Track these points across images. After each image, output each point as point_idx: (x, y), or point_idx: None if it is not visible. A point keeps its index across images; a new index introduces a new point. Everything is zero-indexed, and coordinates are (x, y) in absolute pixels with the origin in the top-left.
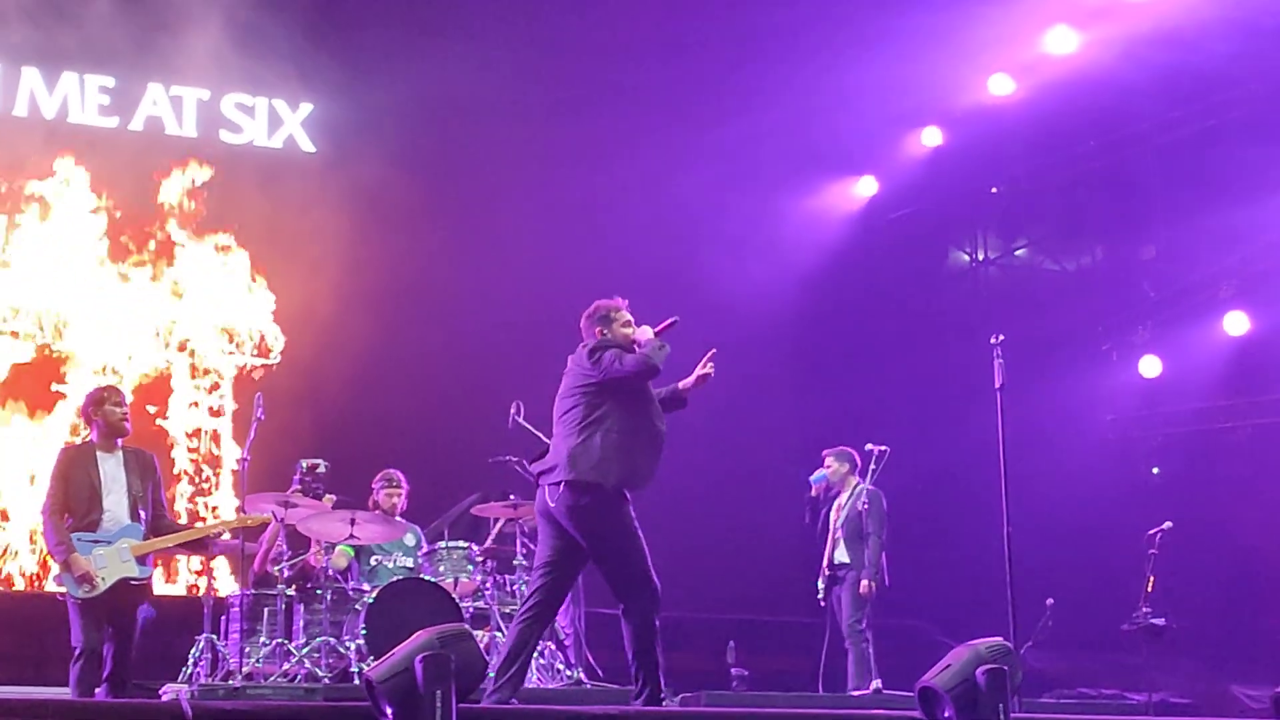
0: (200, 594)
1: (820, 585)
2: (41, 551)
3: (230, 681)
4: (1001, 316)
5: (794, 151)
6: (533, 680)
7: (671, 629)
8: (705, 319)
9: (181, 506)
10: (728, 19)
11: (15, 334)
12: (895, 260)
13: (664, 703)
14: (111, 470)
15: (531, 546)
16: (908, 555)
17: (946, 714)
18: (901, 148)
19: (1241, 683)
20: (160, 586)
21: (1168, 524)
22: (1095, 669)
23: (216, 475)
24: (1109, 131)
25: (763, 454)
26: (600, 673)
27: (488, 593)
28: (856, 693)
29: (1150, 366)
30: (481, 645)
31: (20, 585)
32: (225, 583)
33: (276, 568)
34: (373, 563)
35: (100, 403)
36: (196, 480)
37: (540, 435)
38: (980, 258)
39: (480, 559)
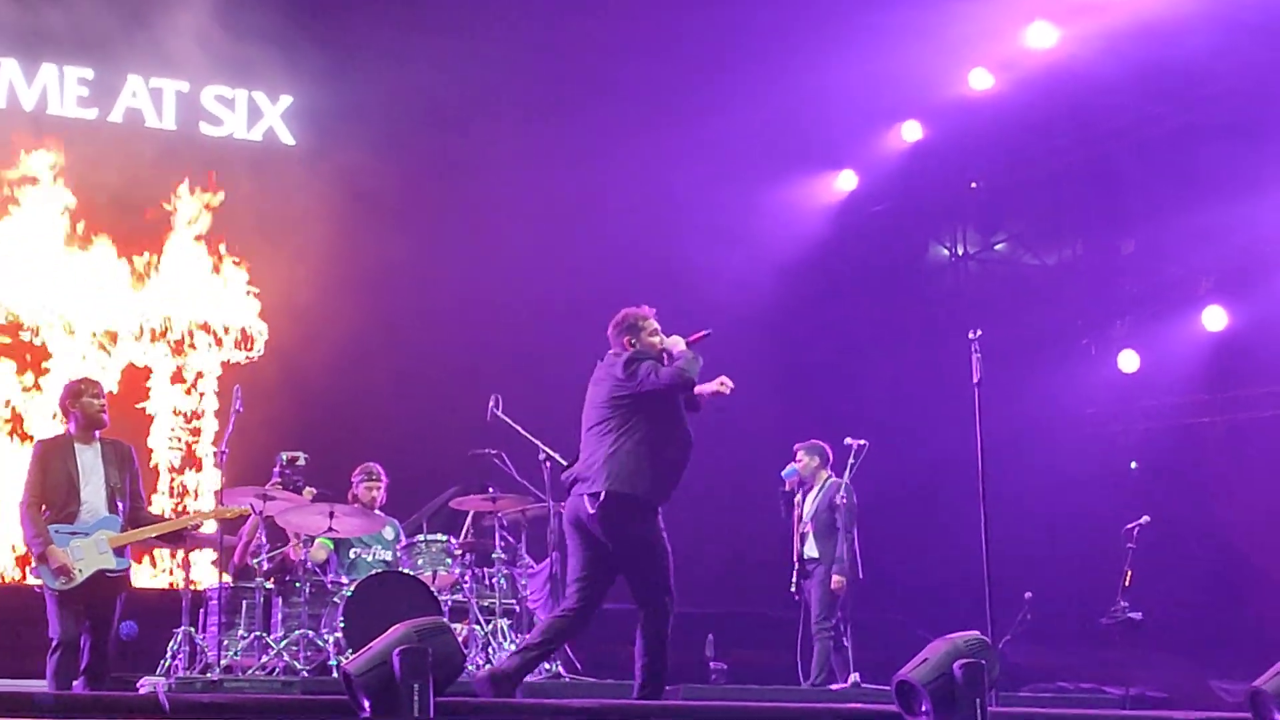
0: (179, 587)
1: (793, 579)
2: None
3: (208, 674)
4: (981, 311)
5: (774, 146)
6: None
7: None
8: (685, 312)
9: (161, 500)
10: (709, 14)
11: None
12: (875, 254)
13: None
14: (89, 462)
15: (510, 539)
16: (886, 549)
17: (924, 708)
18: (881, 142)
19: (1219, 677)
20: (139, 579)
21: (1145, 518)
22: (1073, 663)
23: (196, 468)
24: (1088, 126)
25: (741, 448)
26: (579, 666)
27: (466, 586)
28: (835, 686)
29: (1129, 361)
30: (460, 638)
31: None
32: (204, 575)
33: (255, 560)
34: (351, 555)
35: (78, 395)
36: (176, 473)
37: (518, 428)
38: (960, 252)
39: (459, 552)
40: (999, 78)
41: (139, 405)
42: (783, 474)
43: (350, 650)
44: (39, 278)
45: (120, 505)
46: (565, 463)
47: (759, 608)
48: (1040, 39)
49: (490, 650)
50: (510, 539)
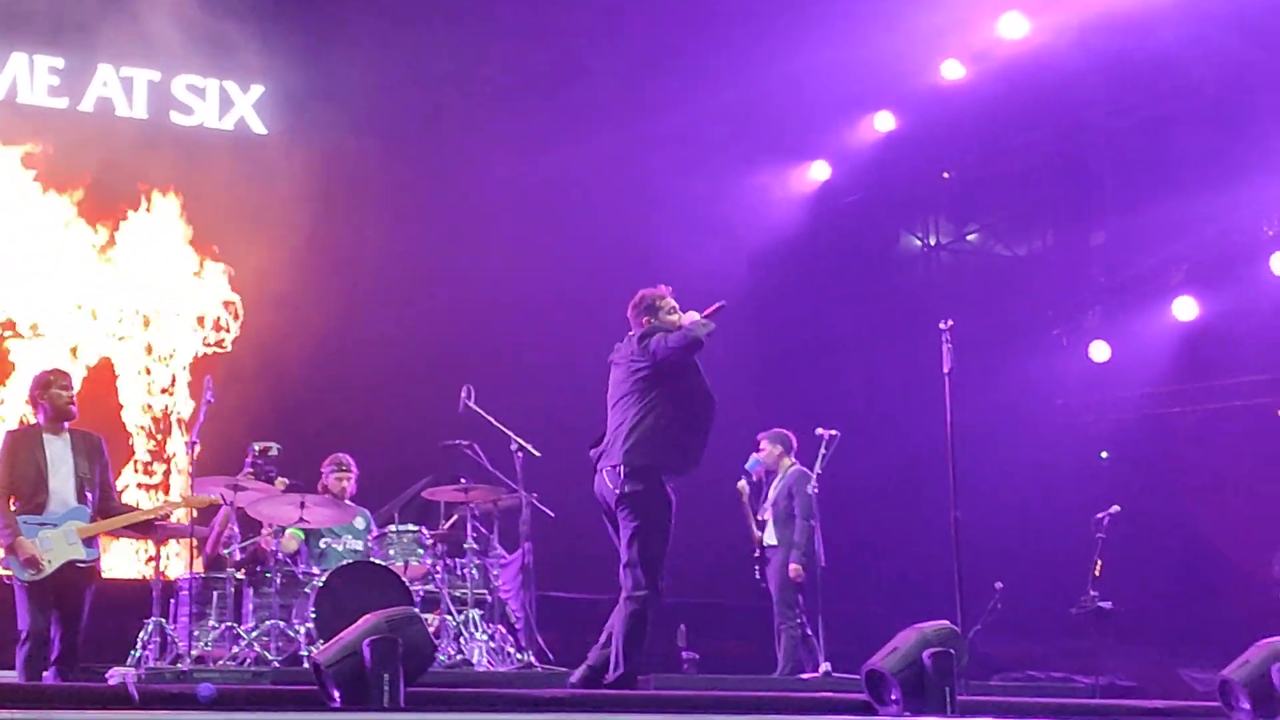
0: (149, 577)
1: (756, 568)
2: None
3: (179, 665)
4: (953, 301)
5: (747, 136)
6: (483, 663)
7: None
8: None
9: (131, 491)
10: (684, 2)
11: None
12: (848, 244)
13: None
14: (58, 453)
15: (483, 530)
16: (858, 539)
17: (893, 696)
18: (854, 132)
19: (1189, 666)
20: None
21: (1115, 508)
22: (1044, 652)
23: (167, 459)
24: (1060, 117)
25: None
26: (550, 655)
27: (438, 576)
28: (806, 675)
29: (1100, 351)
30: (431, 629)
31: None
32: (175, 566)
33: (227, 551)
34: (322, 546)
35: (46, 386)
36: (147, 464)
37: (491, 419)
38: (932, 243)
39: (431, 543)
40: (971, 68)
41: (109, 396)
42: (746, 467)
43: (322, 640)
44: (7, 267)
45: (89, 496)
46: (537, 453)
47: (731, 598)
48: (1012, 30)
49: (462, 640)
50: (482, 529)
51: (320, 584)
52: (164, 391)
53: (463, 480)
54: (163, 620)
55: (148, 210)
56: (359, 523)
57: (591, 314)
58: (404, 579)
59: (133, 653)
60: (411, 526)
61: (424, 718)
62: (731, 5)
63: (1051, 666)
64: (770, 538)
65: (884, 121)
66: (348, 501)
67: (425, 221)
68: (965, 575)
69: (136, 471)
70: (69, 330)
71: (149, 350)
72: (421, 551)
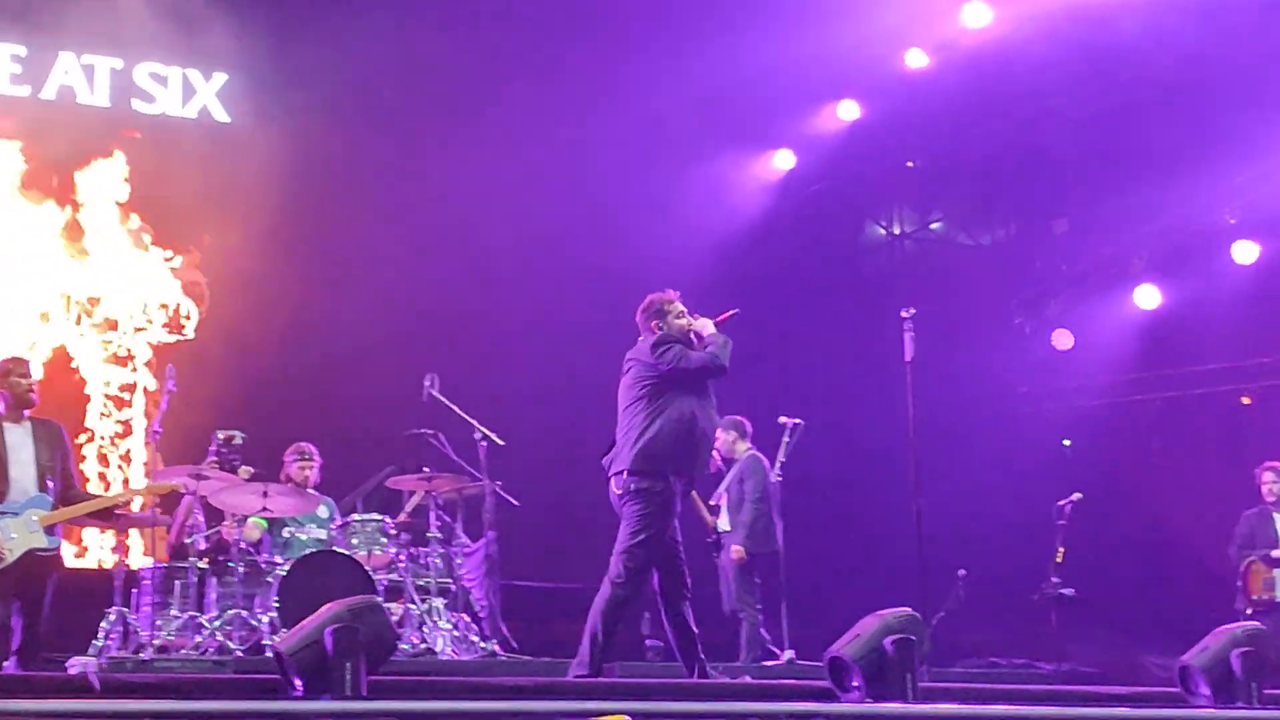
0: (112, 567)
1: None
2: None
3: (141, 654)
4: (916, 290)
5: (712, 124)
6: (446, 652)
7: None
8: (622, 290)
9: (94, 480)
10: None
11: None
12: (812, 233)
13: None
14: (18, 441)
15: (447, 519)
16: (821, 526)
17: (855, 683)
18: (818, 121)
19: (1151, 652)
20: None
21: (1077, 495)
22: (1007, 639)
23: (130, 448)
24: (1023, 107)
25: None
26: (514, 644)
27: (402, 565)
28: (770, 662)
29: (1062, 340)
30: (395, 618)
31: None
32: (138, 555)
33: (190, 540)
34: (285, 535)
35: (6, 374)
36: (109, 452)
37: (454, 408)
38: (896, 231)
39: (394, 532)
40: (935, 57)
41: (71, 383)
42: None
43: (285, 630)
44: None
45: (51, 484)
46: (501, 442)
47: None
48: (975, 19)
49: (426, 629)
50: (446, 518)
51: (283, 573)
52: (126, 386)
53: (426, 469)
54: (125, 609)
55: (109, 198)
56: (322, 512)
57: (557, 303)
58: (367, 568)
59: (95, 642)
60: (375, 515)
61: (387, 706)
62: None
63: (1014, 653)
64: (725, 524)
65: (848, 110)
66: (310, 490)
67: (389, 210)
68: (928, 562)
69: (98, 460)
70: (29, 318)
71: (110, 338)
72: (385, 540)
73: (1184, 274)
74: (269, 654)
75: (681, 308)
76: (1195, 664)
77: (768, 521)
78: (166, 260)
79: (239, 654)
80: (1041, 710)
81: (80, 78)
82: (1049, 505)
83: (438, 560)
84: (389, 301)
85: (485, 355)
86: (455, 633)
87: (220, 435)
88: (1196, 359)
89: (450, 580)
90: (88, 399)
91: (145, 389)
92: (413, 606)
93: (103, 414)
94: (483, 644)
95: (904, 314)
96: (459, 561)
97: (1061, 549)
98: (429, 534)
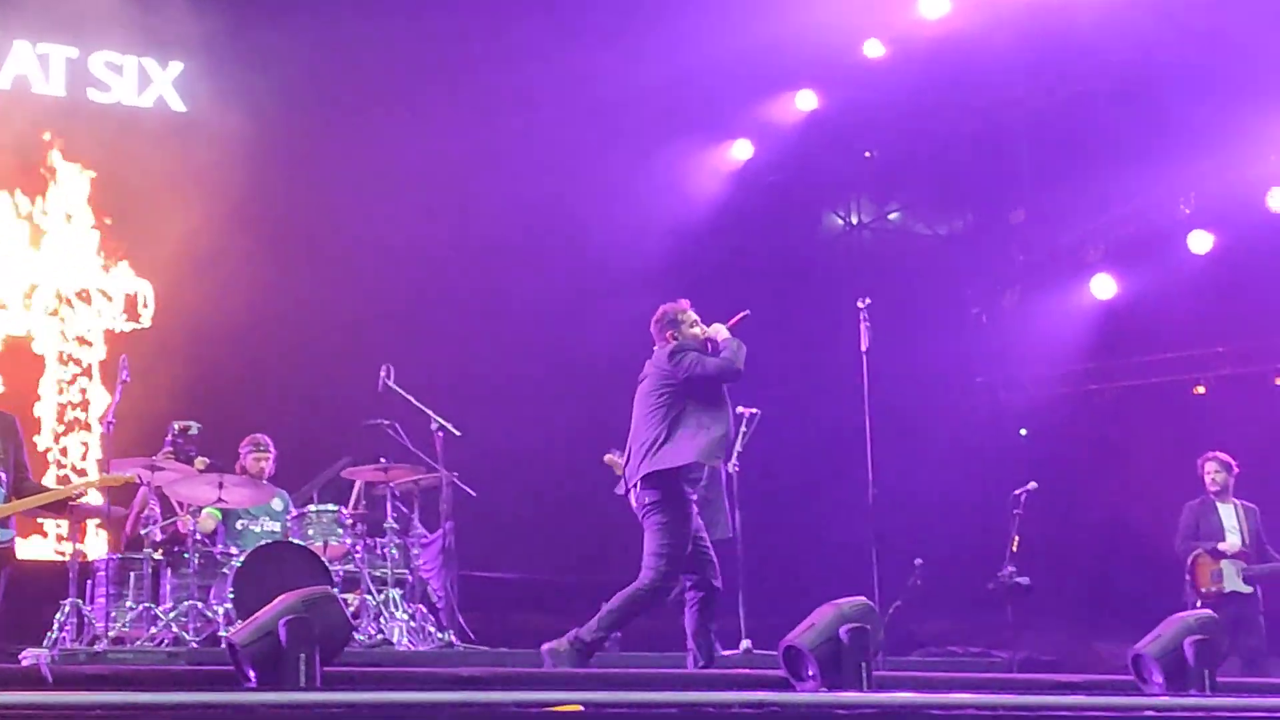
0: (66, 558)
1: None
2: None
3: (95, 646)
4: (874, 280)
5: (670, 113)
6: (403, 643)
7: (542, 590)
8: (579, 280)
9: (51, 472)
10: None
11: None
12: (770, 223)
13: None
14: None
15: (403, 509)
16: (778, 516)
17: (810, 672)
18: (776, 111)
19: (1106, 640)
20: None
21: (1032, 484)
22: (963, 628)
23: (85, 439)
24: (980, 97)
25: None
26: (471, 635)
27: (358, 556)
28: (727, 652)
29: (1020, 329)
30: (351, 609)
31: None
32: (94, 547)
33: (146, 531)
34: (238, 527)
35: None
36: (64, 443)
37: (410, 398)
38: (854, 222)
39: (350, 522)
40: (892, 48)
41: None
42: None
43: (240, 621)
44: None
45: (3, 476)
46: (458, 433)
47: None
48: (933, 10)
49: (382, 620)
50: (403, 509)
51: (239, 564)
52: (80, 373)
53: (383, 460)
54: (79, 601)
55: (64, 188)
56: (276, 504)
57: (513, 292)
58: (323, 559)
59: (49, 634)
60: (331, 506)
61: (342, 697)
62: None
63: (971, 642)
64: None
65: (806, 100)
66: (265, 482)
67: (344, 200)
68: (885, 552)
69: (52, 451)
70: None
71: (64, 329)
72: (341, 531)
73: (1140, 264)
74: (224, 645)
75: (694, 316)
76: (1148, 652)
77: (717, 509)
78: (122, 250)
79: (194, 645)
80: (997, 698)
81: (35, 67)
82: (1005, 494)
83: (394, 551)
84: (344, 292)
85: (441, 345)
86: (412, 623)
87: (176, 426)
88: (1152, 348)
89: (407, 571)
90: (41, 389)
91: (101, 379)
92: (369, 597)
93: (59, 404)
94: (439, 634)
95: (859, 304)
96: (416, 552)
97: (1017, 538)
98: (385, 525)
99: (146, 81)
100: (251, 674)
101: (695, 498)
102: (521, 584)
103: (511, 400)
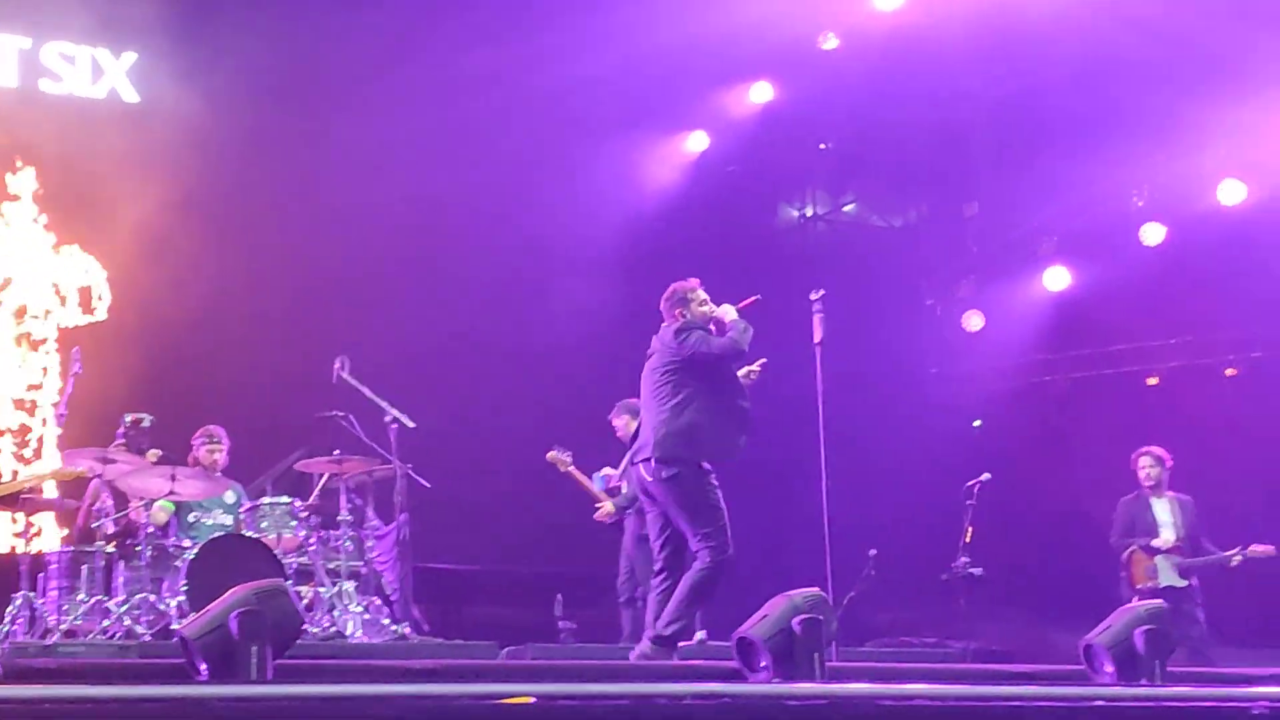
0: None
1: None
2: None
3: (46, 639)
4: (829, 272)
5: (625, 104)
6: (356, 635)
7: (498, 582)
8: (534, 270)
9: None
10: None
11: None
12: (725, 215)
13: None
14: None
15: (357, 501)
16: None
17: (763, 663)
18: (731, 103)
19: (1059, 630)
20: None
21: (986, 475)
22: (917, 618)
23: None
24: (935, 89)
25: (587, 405)
26: (426, 626)
27: (312, 548)
28: (682, 643)
29: (973, 321)
30: (305, 601)
31: None
32: (46, 540)
33: (98, 524)
34: (191, 519)
35: None
36: (17, 437)
37: (365, 390)
38: (809, 213)
39: (304, 514)
40: (847, 40)
41: None
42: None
43: (193, 614)
44: None
45: None
46: (412, 424)
47: (610, 567)
48: (887, 2)
49: (336, 612)
50: (357, 501)
51: (192, 557)
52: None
53: (337, 452)
54: (31, 594)
55: (12, 180)
56: (229, 496)
57: (468, 283)
58: (277, 551)
59: (0, 627)
60: (284, 499)
61: (293, 690)
62: None
63: (925, 632)
64: (624, 501)
65: (761, 92)
66: (218, 474)
67: (298, 191)
68: (840, 543)
69: (4, 444)
70: None
71: (18, 320)
72: (295, 524)
73: (1092, 256)
74: (175, 638)
75: (704, 295)
76: (1099, 642)
77: None
78: (75, 241)
79: (146, 638)
80: (949, 689)
81: None
82: (959, 485)
83: (348, 543)
84: (298, 283)
85: (396, 336)
86: (366, 615)
87: (128, 418)
88: (1104, 340)
89: (361, 563)
90: None
91: (55, 371)
92: (323, 590)
93: (14, 398)
94: (394, 627)
95: (812, 296)
96: (370, 544)
97: (970, 528)
98: (339, 517)
99: (99, 72)
100: (203, 667)
101: (712, 475)
102: (477, 576)
103: (466, 391)
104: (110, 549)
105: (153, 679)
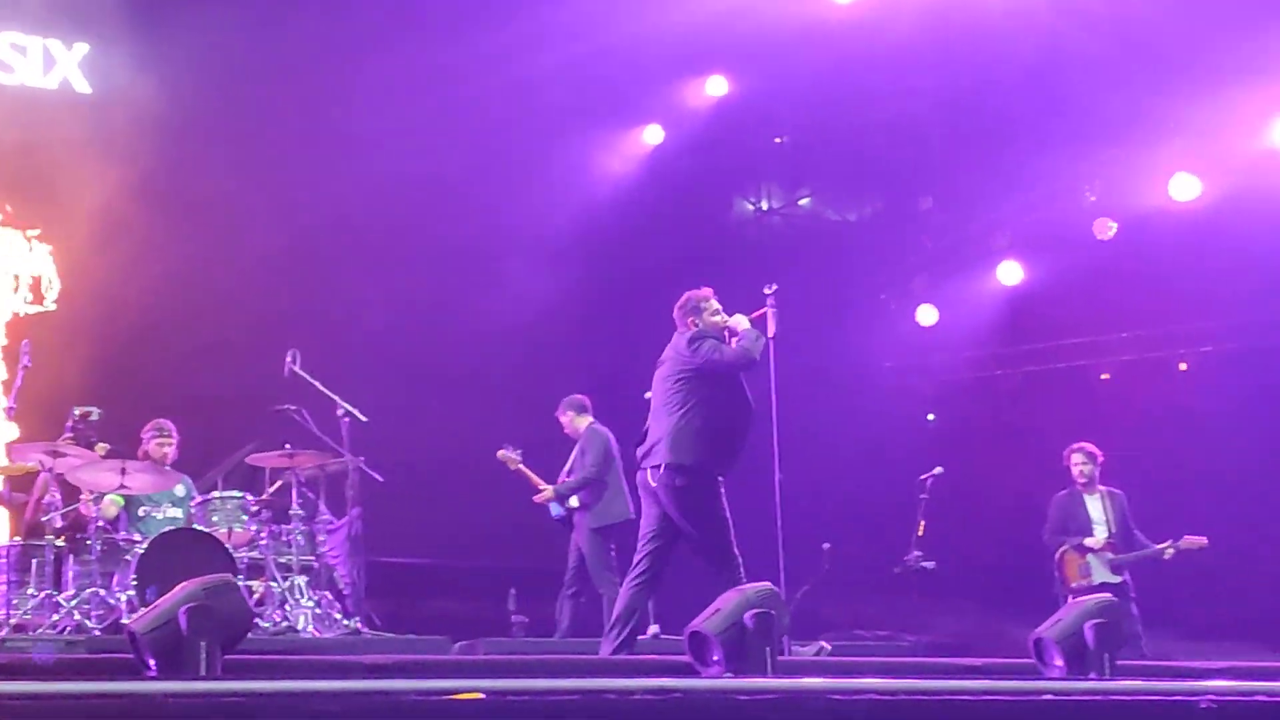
0: None
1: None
2: None
3: None
4: (784, 266)
5: (581, 97)
6: (308, 630)
7: (453, 576)
8: (489, 264)
9: None
10: None
11: None
12: (681, 208)
13: None
14: None
15: (309, 495)
16: None
17: (715, 657)
18: (687, 96)
19: (1012, 623)
20: None
21: (938, 469)
22: (870, 612)
23: None
24: (890, 84)
25: (541, 398)
26: (378, 622)
27: (263, 543)
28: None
29: (927, 315)
30: (257, 596)
31: None
32: None
33: (47, 517)
34: (141, 513)
35: None
36: None
37: (316, 384)
38: (764, 207)
39: (255, 509)
40: (803, 34)
41: None
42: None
43: (143, 608)
44: None
45: None
46: (364, 418)
47: (562, 562)
48: None
49: (288, 607)
50: (309, 495)
51: (142, 551)
52: None
53: (288, 445)
54: None
55: None
56: (179, 490)
57: (421, 276)
58: (228, 546)
59: None
60: (235, 493)
61: (241, 686)
62: None
63: (878, 626)
64: (575, 500)
65: (716, 86)
66: (168, 468)
67: (250, 183)
68: (794, 537)
69: None
70: None
71: None
72: (246, 518)
73: (1046, 251)
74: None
75: (717, 305)
76: (1049, 635)
77: (615, 491)
78: (25, 233)
79: (96, 633)
80: (899, 683)
81: None
82: (912, 479)
83: (300, 537)
84: (249, 276)
85: (349, 330)
86: (317, 610)
87: (77, 411)
88: (1057, 334)
89: (312, 557)
90: None
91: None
92: (274, 584)
93: None
94: (346, 622)
95: (766, 290)
96: (322, 539)
97: (923, 522)
98: (291, 511)
99: (51, 63)
100: (152, 663)
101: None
102: (430, 570)
103: (419, 385)
104: (60, 543)
105: (101, 675)
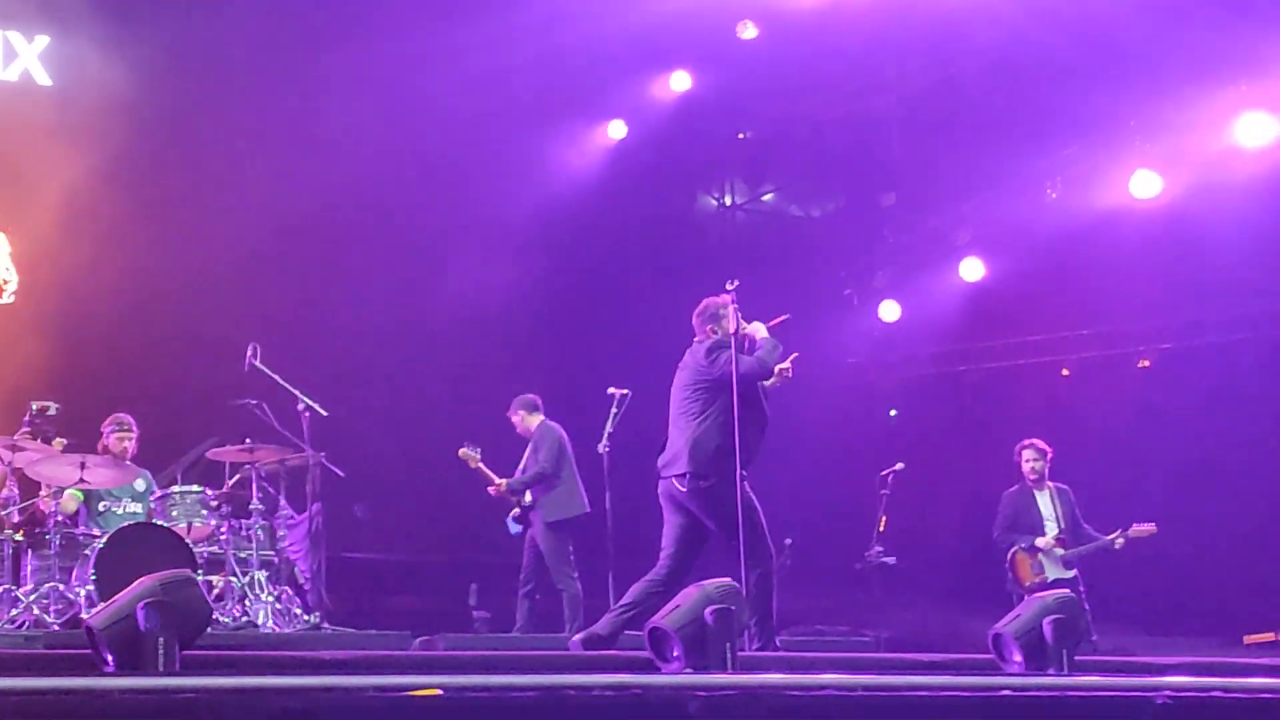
0: None
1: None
2: None
3: None
4: (748, 262)
5: (544, 91)
6: (268, 625)
7: (415, 571)
8: (451, 259)
9: None
10: None
11: None
12: (644, 204)
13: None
14: None
15: (270, 490)
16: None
17: (675, 653)
18: (650, 91)
19: (972, 619)
20: None
21: (899, 464)
22: (830, 607)
23: None
24: (853, 80)
25: (506, 395)
26: (339, 616)
27: (223, 538)
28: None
29: (889, 311)
30: (217, 591)
31: None
32: None
33: (5, 512)
34: (101, 508)
35: None
36: None
37: (277, 378)
38: (728, 203)
39: (215, 504)
40: (766, 29)
41: None
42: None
43: (102, 604)
44: None
45: None
46: (325, 413)
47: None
48: None
49: (248, 602)
50: (270, 489)
51: (101, 546)
52: None
53: (249, 440)
54: None
55: None
56: (139, 484)
57: (384, 269)
58: (187, 541)
59: None
60: (195, 487)
61: (199, 682)
62: None
63: (839, 621)
64: (527, 496)
65: (680, 81)
66: (128, 462)
67: (213, 176)
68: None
69: None
70: None
71: None
72: (205, 513)
73: (1007, 247)
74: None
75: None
76: (1008, 631)
77: (570, 486)
78: None
79: (55, 628)
80: (859, 678)
81: None
82: (874, 475)
83: (260, 532)
84: (209, 269)
85: (310, 324)
86: (277, 605)
87: (34, 405)
88: (1019, 331)
89: (272, 552)
90: None
91: None
92: (234, 579)
93: None
94: (306, 616)
95: (728, 286)
96: (282, 533)
97: (884, 517)
98: (251, 506)
99: (12, 55)
100: (109, 658)
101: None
102: (390, 565)
103: (380, 380)
104: (18, 538)
105: (58, 670)
